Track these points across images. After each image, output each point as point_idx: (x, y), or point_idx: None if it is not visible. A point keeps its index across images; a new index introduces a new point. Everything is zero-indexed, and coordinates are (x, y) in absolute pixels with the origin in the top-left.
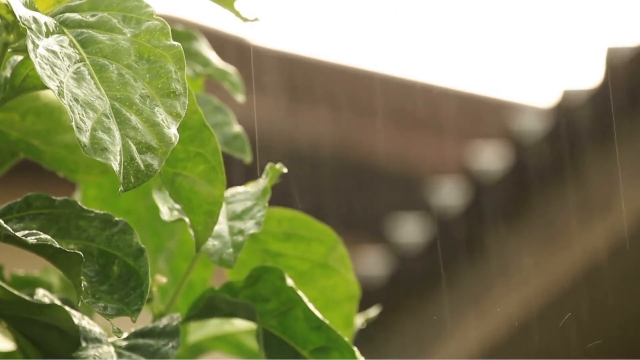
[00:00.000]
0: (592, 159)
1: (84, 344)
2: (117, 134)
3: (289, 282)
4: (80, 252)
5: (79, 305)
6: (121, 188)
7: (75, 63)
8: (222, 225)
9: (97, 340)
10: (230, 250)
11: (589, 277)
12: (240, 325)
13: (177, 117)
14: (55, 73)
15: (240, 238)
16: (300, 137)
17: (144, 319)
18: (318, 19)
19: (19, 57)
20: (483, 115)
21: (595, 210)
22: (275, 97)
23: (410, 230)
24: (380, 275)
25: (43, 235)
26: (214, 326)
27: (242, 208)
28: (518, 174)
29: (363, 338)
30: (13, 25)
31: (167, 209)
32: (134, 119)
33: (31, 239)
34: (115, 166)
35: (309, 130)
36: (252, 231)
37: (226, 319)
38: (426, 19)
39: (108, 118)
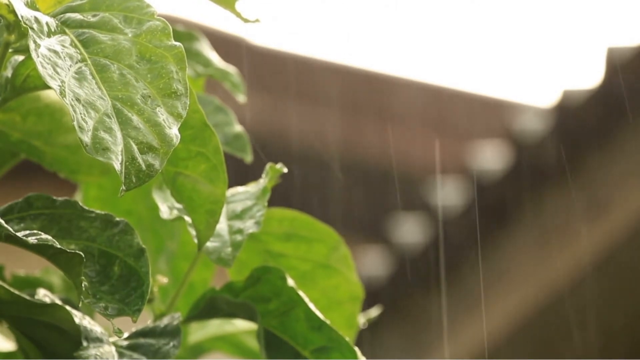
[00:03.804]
0: (592, 159)
1: (85, 343)
2: (118, 134)
3: (290, 282)
4: (81, 253)
5: (80, 305)
6: (123, 188)
7: (76, 63)
8: (221, 225)
9: (98, 340)
10: (229, 249)
11: (589, 276)
12: (241, 325)
13: (179, 118)
14: (57, 73)
15: (239, 237)
16: (299, 136)
17: (145, 320)
18: (317, 19)
19: (20, 57)
20: (483, 115)
21: (595, 210)
22: (274, 97)
23: (410, 230)
24: (380, 275)
25: (44, 236)
26: (215, 326)
27: (242, 207)
28: (518, 174)
29: (363, 338)
30: (14, 25)
31: (166, 208)
32: (135, 119)
33: (32, 239)
34: (117, 166)
35: (308, 130)
36: (251, 230)
37: (227, 319)
38: (426, 18)
39: (110, 118)
